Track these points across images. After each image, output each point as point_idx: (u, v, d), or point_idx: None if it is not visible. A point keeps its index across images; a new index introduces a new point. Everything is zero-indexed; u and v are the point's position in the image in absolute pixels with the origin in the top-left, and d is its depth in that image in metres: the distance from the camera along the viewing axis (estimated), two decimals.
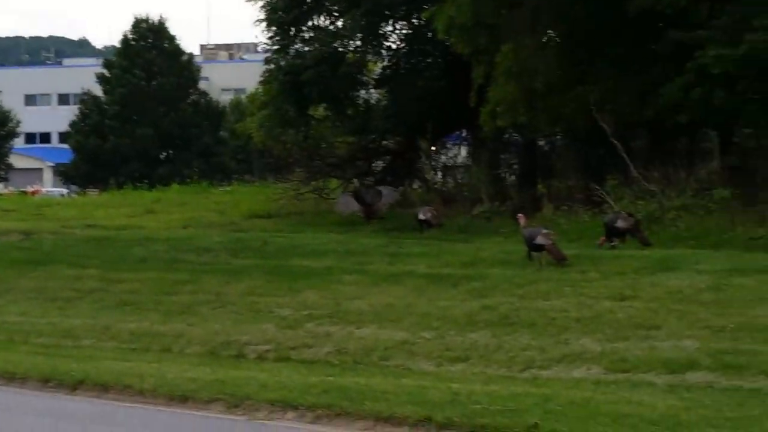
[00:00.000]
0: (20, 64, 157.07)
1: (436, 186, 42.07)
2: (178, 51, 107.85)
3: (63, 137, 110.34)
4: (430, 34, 39.04)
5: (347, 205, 37.60)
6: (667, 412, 15.79)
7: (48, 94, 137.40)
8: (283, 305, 26.72)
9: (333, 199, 43.42)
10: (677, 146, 36.26)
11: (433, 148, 42.53)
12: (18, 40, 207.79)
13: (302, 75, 41.63)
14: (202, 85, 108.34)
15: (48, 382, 21.45)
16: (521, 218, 31.48)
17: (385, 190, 35.56)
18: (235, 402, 18.28)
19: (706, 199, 31.23)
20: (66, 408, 19.44)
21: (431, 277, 27.34)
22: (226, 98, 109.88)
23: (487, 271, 27.29)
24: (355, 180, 44.07)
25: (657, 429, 14.74)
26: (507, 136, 39.95)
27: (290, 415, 17.62)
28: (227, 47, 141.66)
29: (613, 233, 29.79)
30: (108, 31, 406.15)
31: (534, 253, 28.23)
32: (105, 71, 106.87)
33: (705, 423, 14.92)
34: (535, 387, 18.37)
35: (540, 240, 28.18)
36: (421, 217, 33.26)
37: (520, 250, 29.50)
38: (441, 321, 23.76)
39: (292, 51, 43.83)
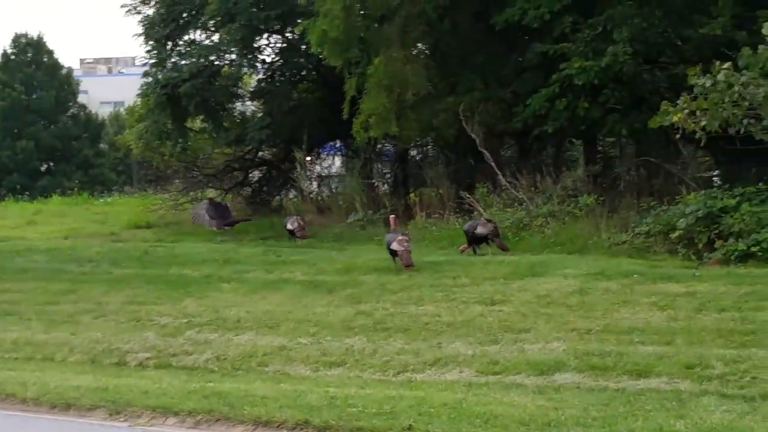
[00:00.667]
0: None
1: (311, 195, 42.16)
2: (57, 65, 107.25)
3: None
4: (303, 48, 39.03)
5: (198, 217, 37.46)
6: (537, 412, 15.87)
7: None
8: (163, 313, 26.59)
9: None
10: (544, 155, 36.45)
11: (308, 158, 42.55)
12: None
13: (179, 88, 41.51)
14: (82, 98, 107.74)
15: None
16: (393, 220, 31.59)
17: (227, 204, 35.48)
18: (117, 409, 18.43)
19: (572, 205, 31.43)
20: None
21: (308, 285, 27.39)
22: (105, 111, 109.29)
23: (361, 277, 27.37)
24: (231, 190, 44.34)
25: (527, 429, 14.87)
26: (380, 146, 40.00)
27: (171, 420, 17.79)
28: (106, 61, 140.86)
29: (474, 240, 29.93)
30: None
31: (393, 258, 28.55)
32: None
33: (573, 422, 15.06)
34: (409, 390, 18.44)
35: (394, 246, 28.45)
36: (289, 227, 33.31)
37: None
38: (318, 327, 23.77)
39: (169, 64, 43.68)
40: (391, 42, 35.01)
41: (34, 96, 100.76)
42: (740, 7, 29.71)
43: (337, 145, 44.28)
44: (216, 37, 43.38)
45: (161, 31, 43.59)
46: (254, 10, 40.02)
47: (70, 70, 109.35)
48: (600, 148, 35.77)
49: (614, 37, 31.08)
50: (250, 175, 44.53)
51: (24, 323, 27.82)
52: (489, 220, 30.89)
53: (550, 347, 20.49)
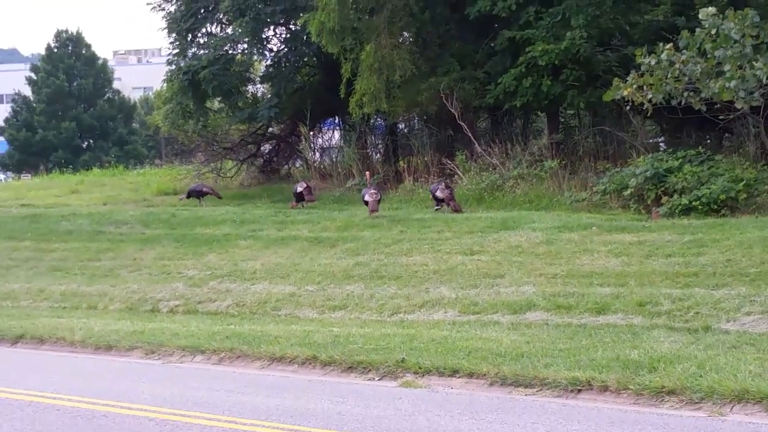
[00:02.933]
0: None
1: (315, 164, 42.01)
2: (94, 57, 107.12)
3: (8, 137, 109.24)
4: (305, 37, 38.80)
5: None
6: (511, 345, 15.99)
7: None
8: (189, 267, 26.78)
9: (229, 177, 43.22)
10: (514, 126, 36.40)
11: (311, 132, 42.42)
12: None
13: (199, 74, 41.38)
14: (116, 84, 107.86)
15: None
16: (368, 174, 33.21)
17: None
18: (152, 348, 18.72)
19: (539, 169, 31.38)
20: (9, 358, 19.38)
21: (313, 240, 27.41)
22: (136, 95, 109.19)
23: (359, 233, 27.38)
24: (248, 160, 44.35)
25: (503, 359, 14.98)
26: (372, 121, 39.86)
27: (198, 358, 18.18)
28: (136, 52, 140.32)
29: (435, 199, 30.40)
30: (34, 41, 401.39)
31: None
32: (32, 75, 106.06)
33: (542, 353, 15.21)
34: (402, 329, 18.64)
35: (366, 197, 29.80)
36: (298, 189, 33.25)
37: (386, 215, 29.57)
38: (322, 276, 23.94)
39: (189, 54, 43.54)
40: (380, 31, 34.91)
41: (74, 83, 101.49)
42: None
43: (336, 120, 44.05)
44: (229, 30, 43.20)
45: (182, 25, 43.42)
46: (261, 5, 39.86)
47: (105, 61, 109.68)
48: (561, 120, 35.69)
49: (572, 24, 30.99)
50: (262, 147, 44.32)
51: (70, 277, 28.04)
52: (447, 186, 31.16)
53: (522, 290, 20.60)
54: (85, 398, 14.32)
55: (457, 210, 30.20)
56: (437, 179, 33.22)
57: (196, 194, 37.87)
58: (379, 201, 30.53)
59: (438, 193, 30.57)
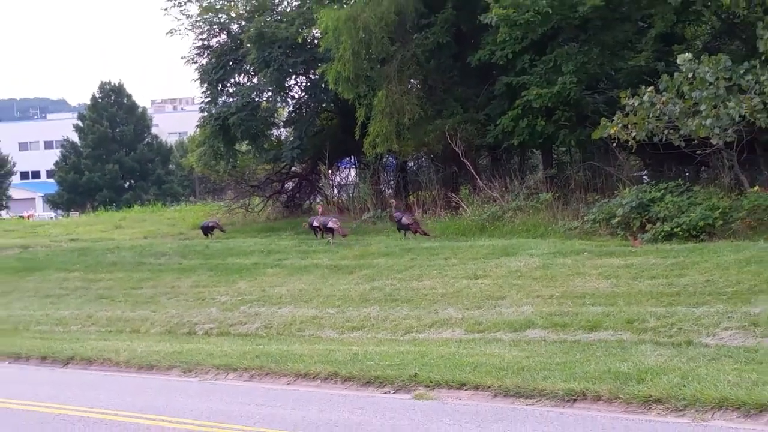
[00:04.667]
0: (14, 120, 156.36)
1: (333, 200, 42.12)
2: (134, 105, 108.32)
3: (50, 174, 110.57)
4: (323, 85, 38.85)
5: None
6: (513, 360, 16.04)
7: (36, 141, 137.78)
8: (222, 293, 26.87)
9: (257, 212, 43.37)
10: (511, 163, 36.45)
11: (330, 171, 42.54)
12: (11, 101, 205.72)
13: (228, 120, 41.51)
14: (154, 130, 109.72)
15: (45, 359, 21.84)
16: (319, 208, 35.48)
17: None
18: (189, 367, 18.84)
19: (535, 201, 31.42)
20: (61, 378, 19.31)
21: (333, 268, 27.51)
22: (172, 139, 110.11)
23: (374, 261, 27.48)
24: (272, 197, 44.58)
25: (506, 373, 15.02)
26: (384, 159, 39.90)
27: (231, 375, 18.34)
28: (172, 101, 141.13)
29: (400, 226, 31.54)
30: (80, 91, 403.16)
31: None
32: (79, 123, 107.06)
33: (540, 367, 15.26)
34: (414, 346, 18.71)
35: (330, 224, 31.78)
36: (331, 225, 33.40)
37: (399, 244, 29.65)
38: (341, 300, 24.03)
39: (220, 101, 43.70)
40: (391, 79, 35.00)
41: (117, 130, 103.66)
42: (659, 44, 29.70)
43: (352, 159, 44.14)
44: (255, 80, 43.33)
45: (213, 76, 43.56)
46: (284, 58, 39.96)
47: (144, 109, 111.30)
48: (554, 156, 35.70)
49: (563, 70, 31.01)
50: (286, 185, 44.46)
51: (115, 304, 28.17)
52: (411, 215, 32.91)
53: (521, 310, 20.64)
54: (130, 413, 14.37)
55: (425, 234, 31.10)
56: (398, 210, 34.04)
57: (204, 230, 38.29)
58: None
59: (404, 220, 31.48)
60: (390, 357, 16.99)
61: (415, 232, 31.49)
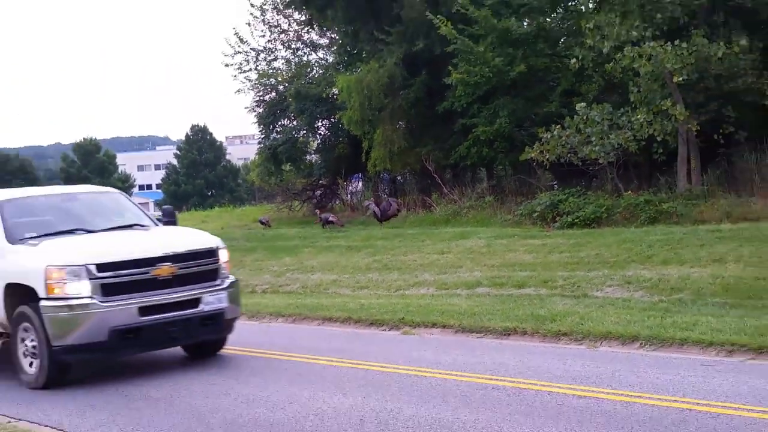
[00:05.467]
0: (134, 150, 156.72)
1: (347, 202, 42.07)
2: (214, 140, 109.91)
3: (158, 186, 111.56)
4: (340, 125, 38.80)
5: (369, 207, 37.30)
6: (467, 308, 15.97)
7: (149, 165, 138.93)
8: (273, 265, 26.67)
9: (296, 211, 43.37)
10: (466, 176, 36.24)
11: (345, 182, 42.46)
12: (131, 137, 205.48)
13: (277, 149, 41.58)
14: (228, 156, 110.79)
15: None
16: (318, 212, 36.64)
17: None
18: (251, 314, 18.46)
19: (481, 202, 31.35)
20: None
21: (347, 247, 27.34)
22: (239, 162, 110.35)
23: (375, 243, 27.32)
24: (306, 201, 44.59)
25: (463, 316, 15.10)
26: (381, 174, 39.75)
27: (279, 319, 18.29)
28: (239, 137, 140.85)
29: (326, 222, 33.66)
30: (179, 129, 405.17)
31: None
32: (178, 152, 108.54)
33: (486, 312, 15.26)
34: (401, 299, 18.58)
35: (331, 218, 33.04)
36: (331, 219, 33.54)
37: (392, 232, 29.56)
38: (353, 269, 23.92)
39: (271, 137, 43.63)
40: (385, 122, 34.96)
41: (203, 156, 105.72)
42: (563, 97, 29.61)
43: (359, 175, 43.95)
44: (295, 122, 43.29)
45: (266, 120, 43.51)
46: (314, 107, 40.00)
47: (221, 143, 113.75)
48: (494, 172, 35.47)
49: (500, 114, 30.98)
50: (315, 192, 44.13)
51: None
52: (335, 215, 35.16)
53: (473, 275, 20.52)
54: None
55: (341, 225, 33.58)
56: (371, 200, 35.08)
57: (262, 223, 38.54)
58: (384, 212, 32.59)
59: (330, 219, 33.92)
60: (385, 307, 17.01)
61: (342, 225, 33.68)
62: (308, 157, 44.51)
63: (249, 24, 44.91)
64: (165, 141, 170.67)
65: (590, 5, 27.86)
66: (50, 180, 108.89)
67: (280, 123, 44.33)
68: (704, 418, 8.29)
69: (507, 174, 32.89)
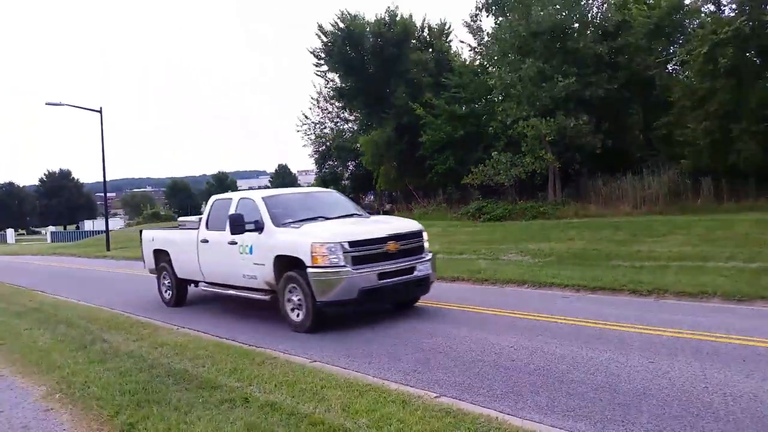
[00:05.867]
0: (245, 178, 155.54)
1: (365, 208, 42.01)
2: (291, 173, 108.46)
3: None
4: (361, 164, 38.87)
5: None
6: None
7: (255, 187, 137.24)
8: None
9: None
10: (435, 193, 36.19)
11: (362, 196, 42.41)
12: (245, 171, 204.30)
13: (326, 178, 41.67)
14: (299, 182, 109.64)
15: None
16: (387, 207, 32.21)
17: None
18: None
19: (439, 207, 31.26)
20: None
21: None
22: (305, 185, 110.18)
23: None
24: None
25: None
26: (384, 192, 39.68)
27: None
28: (305, 171, 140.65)
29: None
30: (270, 164, 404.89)
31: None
32: (270, 179, 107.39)
33: (442, 268, 14.72)
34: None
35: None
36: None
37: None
38: None
39: (322, 171, 43.77)
40: (386, 162, 35.00)
41: (285, 181, 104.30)
42: (484, 149, 29.62)
43: (372, 192, 43.93)
44: (336, 163, 43.40)
45: (319, 161, 43.75)
46: (346, 154, 40.31)
47: (295, 175, 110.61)
48: (447, 190, 35.39)
49: (449, 158, 31.10)
50: None
51: None
52: (373, 210, 33.04)
53: (434, 247, 19.90)
54: None
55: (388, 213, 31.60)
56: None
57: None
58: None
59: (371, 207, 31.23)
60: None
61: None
62: (343, 182, 44.72)
63: (310, 108, 45.44)
64: (263, 173, 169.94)
65: (500, 97, 27.77)
66: (204, 196, 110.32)
67: (327, 163, 44.47)
68: (566, 326, 8.33)
69: (453, 191, 33.02)
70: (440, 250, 19.61)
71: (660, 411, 4.98)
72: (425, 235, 10.41)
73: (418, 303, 10.76)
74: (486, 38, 30.37)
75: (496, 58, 28.32)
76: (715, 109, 21.23)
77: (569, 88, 24.26)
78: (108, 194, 40.62)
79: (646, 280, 11.15)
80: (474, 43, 31.95)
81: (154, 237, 12.81)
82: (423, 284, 9.82)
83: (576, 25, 26.33)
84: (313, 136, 44.19)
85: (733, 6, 21.85)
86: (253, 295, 9.72)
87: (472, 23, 31.09)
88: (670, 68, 26.08)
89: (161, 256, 12.49)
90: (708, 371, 5.91)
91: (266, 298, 9.46)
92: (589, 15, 26.56)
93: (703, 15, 23.24)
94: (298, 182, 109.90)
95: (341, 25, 37.02)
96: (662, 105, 24.40)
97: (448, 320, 9.09)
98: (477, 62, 33.04)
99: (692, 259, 13.26)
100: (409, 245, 9.58)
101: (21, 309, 11.49)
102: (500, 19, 27.81)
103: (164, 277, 12.51)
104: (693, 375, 5.81)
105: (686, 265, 12.70)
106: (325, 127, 44.21)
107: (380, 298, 9.19)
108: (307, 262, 8.56)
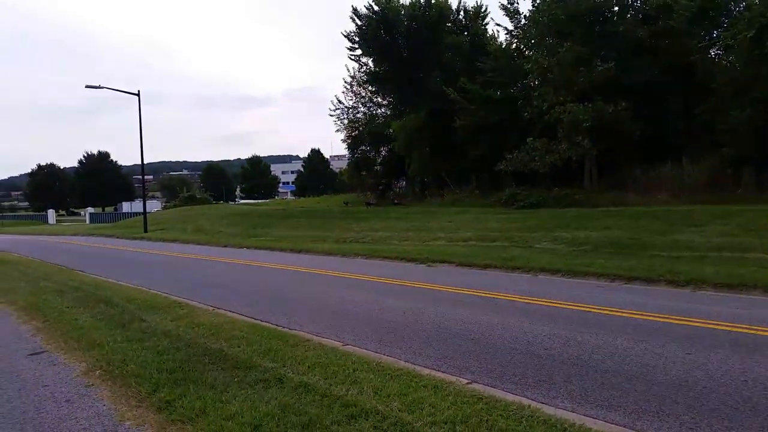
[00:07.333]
0: (279, 162, 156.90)
1: (397, 193, 41.99)
2: (324, 157, 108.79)
3: (293, 183, 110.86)
4: (393, 150, 38.82)
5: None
6: (463, 252, 15.69)
7: (288, 171, 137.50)
8: (355, 227, 25.87)
9: (368, 196, 42.96)
10: (463, 179, 35.99)
11: (395, 181, 42.43)
12: (279, 156, 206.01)
13: (358, 163, 41.83)
14: (331, 166, 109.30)
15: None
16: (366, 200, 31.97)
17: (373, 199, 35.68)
18: (345, 255, 17.82)
19: (472, 194, 31.17)
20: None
21: (396, 217, 26.89)
22: (337, 170, 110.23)
23: (411, 215, 27.03)
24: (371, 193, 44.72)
25: (461, 257, 14.72)
26: (416, 177, 39.68)
27: (359, 257, 17.34)
28: (338, 156, 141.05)
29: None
30: (305, 149, 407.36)
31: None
32: (303, 164, 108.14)
33: (474, 255, 14.82)
34: (426, 247, 18.16)
35: (370, 201, 32.25)
36: (370, 202, 34.15)
37: (422, 209, 29.25)
38: (400, 230, 23.25)
39: (355, 156, 43.89)
40: (419, 148, 34.87)
41: (319, 167, 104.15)
42: (519, 135, 29.35)
43: (404, 177, 43.93)
44: (369, 148, 43.42)
45: (352, 146, 43.78)
46: (379, 139, 40.38)
47: (328, 160, 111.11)
48: (480, 176, 35.36)
49: (483, 144, 30.86)
50: (380, 187, 44.20)
51: (313, 230, 27.05)
52: (373, 199, 35.77)
53: (467, 234, 20.09)
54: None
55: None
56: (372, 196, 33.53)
57: (345, 203, 38.17)
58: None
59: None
60: (417, 251, 16.63)
61: (374, 204, 33.82)
62: (375, 167, 44.70)
63: (344, 92, 45.62)
64: (296, 158, 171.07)
65: (536, 82, 27.38)
66: (238, 180, 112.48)
67: (359, 148, 44.52)
68: (601, 315, 8.30)
69: (487, 178, 32.76)
70: (472, 236, 19.62)
71: (696, 403, 4.90)
72: None
73: (449, 290, 10.78)
74: (523, 21, 29.90)
75: (533, 41, 27.89)
76: (760, 96, 20.57)
77: (608, 72, 23.77)
78: (145, 177, 41.40)
79: (683, 270, 10.95)
80: (511, 26, 31.40)
81: None
82: None
83: (616, 8, 25.73)
84: (346, 121, 44.34)
85: None
86: None
87: (509, 6, 30.59)
88: (712, 53, 25.32)
89: None
90: (747, 364, 5.79)
91: None
92: None
93: None
94: (330, 165, 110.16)
95: (376, 8, 36.83)
96: (704, 91, 23.75)
97: (479, 308, 9.07)
98: (513, 46, 32.57)
99: (732, 250, 12.97)
100: None
101: (63, 288, 11.84)
102: (538, 1, 27.33)
103: None
104: (731, 368, 5.69)
105: (726, 256, 12.42)
106: (358, 112, 44.27)
107: None
108: None
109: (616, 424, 4.55)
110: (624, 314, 8.20)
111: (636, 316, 8.02)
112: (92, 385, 5.73)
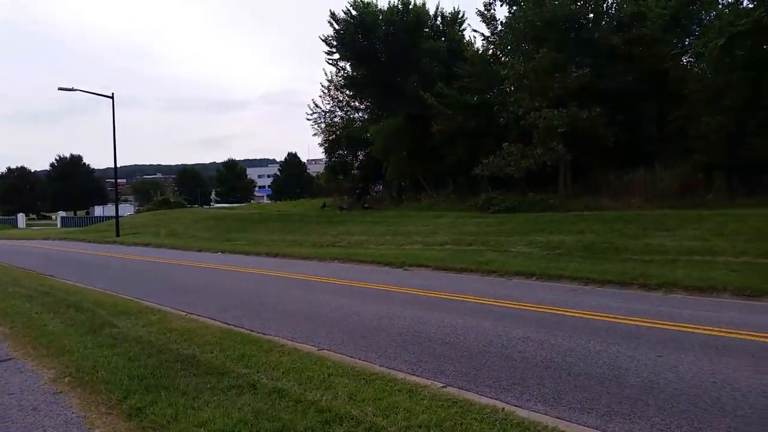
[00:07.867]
0: (255, 166, 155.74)
1: (375, 196, 41.90)
2: (300, 161, 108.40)
3: (269, 187, 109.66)
4: (371, 154, 38.73)
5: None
6: (439, 256, 15.67)
7: (264, 175, 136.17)
8: (331, 231, 25.82)
9: (344, 201, 42.80)
10: (440, 183, 36.03)
11: (372, 185, 42.35)
12: (254, 159, 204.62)
13: (335, 167, 41.66)
14: (308, 170, 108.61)
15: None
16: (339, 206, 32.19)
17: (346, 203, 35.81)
18: (321, 259, 17.84)
19: (448, 198, 31.22)
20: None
21: (372, 222, 26.85)
22: (314, 173, 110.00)
23: (388, 219, 26.97)
24: (345, 197, 44.52)
25: (437, 261, 14.76)
26: (393, 181, 39.65)
27: (335, 261, 17.36)
28: (315, 160, 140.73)
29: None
30: (282, 153, 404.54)
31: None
32: (279, 168, 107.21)
33: (451, 259, 14.80)
34: (403, 251, 18.23)
35: (342, 206, 32.19)
36: (343, 207, 34.03)
37: (399, 213, 29.24)
38: (375, 234, 23.30)
39: (332, 159, 43.71)
40: (396, 152, 34.86)
41: (293, 171, 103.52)
42: (495, 140, 29.58)
43: (380, 181, 43.83)
44: (346, 152, 43.33)
45: (328, 150, 43.52)
46: (356, 143, 40.26)
47: (305, 164, 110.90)
48: (456, 181, 35.39)
49: (460, 149, 30.97)
50: (356, 191, 44.03)
51: (290, 234, 26.89)
52: (346, 204, 35.39)
53: (444, 238, 20.17)
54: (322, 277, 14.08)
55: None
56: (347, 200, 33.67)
57: (322, 207, 38.03)
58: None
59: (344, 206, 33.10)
60: (395, 254, 16.66)
61: (347, 209, 33.65)
62: (352, 171, 44.52)
63: (321, 96, 45.44)
64: (273, 162, 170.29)
65: (512, 88, 27.63)
66: (214, 183, 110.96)
67: (337, 152, 44.37)
68: (574, 319, 8.36)
69: (463, 182, 32.85)
70: (448, 240, 19.66)
71: (667, 405, 4.96)
72: None
73: (424, 294, 10.79)
74: (500, 27, 30.16)
75: (509, 47, 28.13)
76: (730, 103, 21.01)
77: (583, 79, 24.07)
78: (119, 180, 40.86)
79: (655, 273, 11.11)
80: (487, 33, 31.65)
81: None
82: None
83: (591, 15, 26.08)
84: (323, 125, 44.22)
85: None
86: None
87: (485, 12, 30.83)
88: (684, 61, 25.81)
89: None
90: (717, 366, 5.89)
91: None
92: (604, 5, 26.31)
93: (720, 6, 22.92)
94: (307, 169, 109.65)
95: (354, 12, 36.85)
96: (677, 98, 24.17)
97: (455, 311, 9.09)
98: (490, 52, 32.82)
99: (703, 254, 13.18)
100: None
101: (32, 293, 11.58)
102: (514, 8, 27.59)
103: None
104: (701, 370, 5.79)
105: (696, 260, 12.62)
106: (335, 116, 44.20)
107: None
108: None
109: (589, 427, 4.60)
110: (597, 317, 8.28)
111: (609, 319, 8.11)
112: (61, 392, 5.61)
